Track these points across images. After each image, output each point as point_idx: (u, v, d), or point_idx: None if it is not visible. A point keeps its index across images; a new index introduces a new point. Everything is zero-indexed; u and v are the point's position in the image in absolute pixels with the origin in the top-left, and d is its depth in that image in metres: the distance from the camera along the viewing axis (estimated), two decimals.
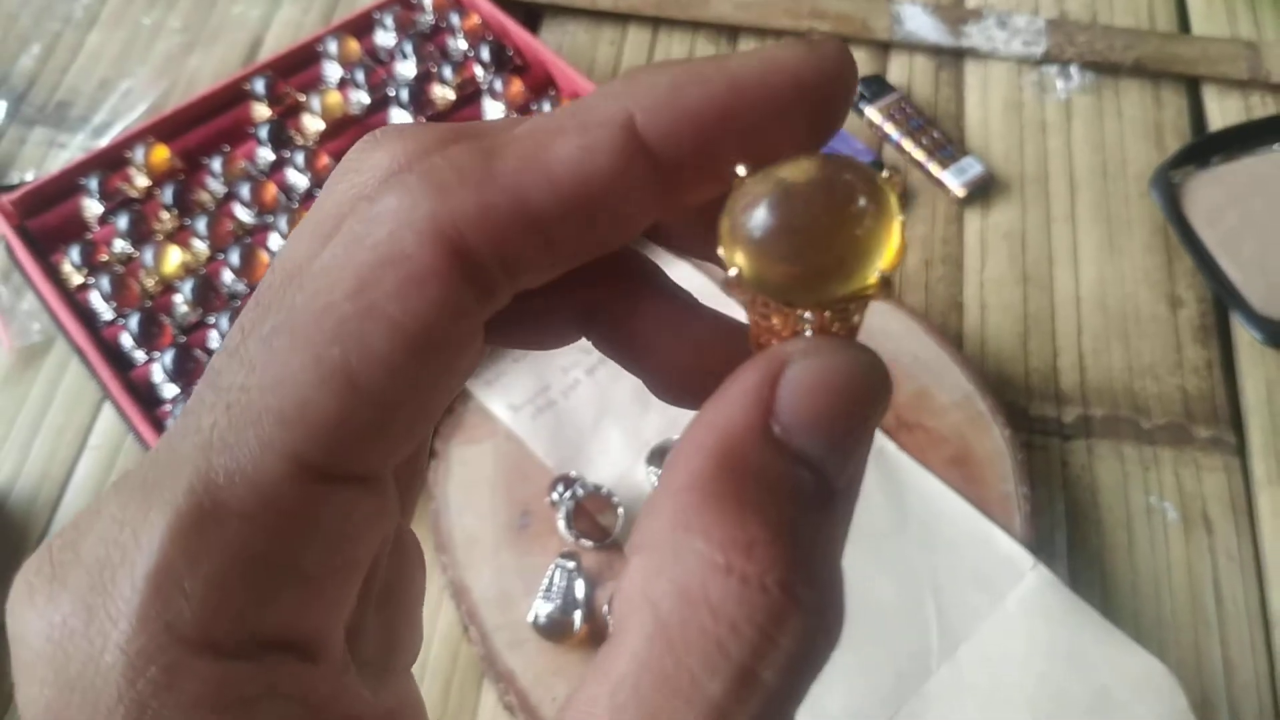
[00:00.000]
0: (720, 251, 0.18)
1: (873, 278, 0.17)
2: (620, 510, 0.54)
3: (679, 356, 0.21)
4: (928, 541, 0.53)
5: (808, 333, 0.18)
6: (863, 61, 0.74)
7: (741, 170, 0.18)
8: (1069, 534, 0.57)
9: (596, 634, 0.51)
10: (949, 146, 0.69)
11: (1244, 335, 0.62)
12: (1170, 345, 0.63)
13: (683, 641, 0.15)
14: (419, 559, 0.23)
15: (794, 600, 0.15)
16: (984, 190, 0.68)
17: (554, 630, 0.51)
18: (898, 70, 0.74)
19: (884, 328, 0.60)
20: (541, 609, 0.51)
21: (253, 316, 0.18)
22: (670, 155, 0.18)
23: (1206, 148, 0.68)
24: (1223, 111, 0.71)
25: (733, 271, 0.17)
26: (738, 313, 0.19)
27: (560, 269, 0.18)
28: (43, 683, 0.16)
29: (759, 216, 0.17)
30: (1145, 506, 0.58)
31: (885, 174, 0.17)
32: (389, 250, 0.17)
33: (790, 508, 0.16)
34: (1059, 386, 0.62)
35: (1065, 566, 0.56)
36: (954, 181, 0.67)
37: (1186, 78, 0.73)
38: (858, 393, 0.17)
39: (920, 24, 0.74)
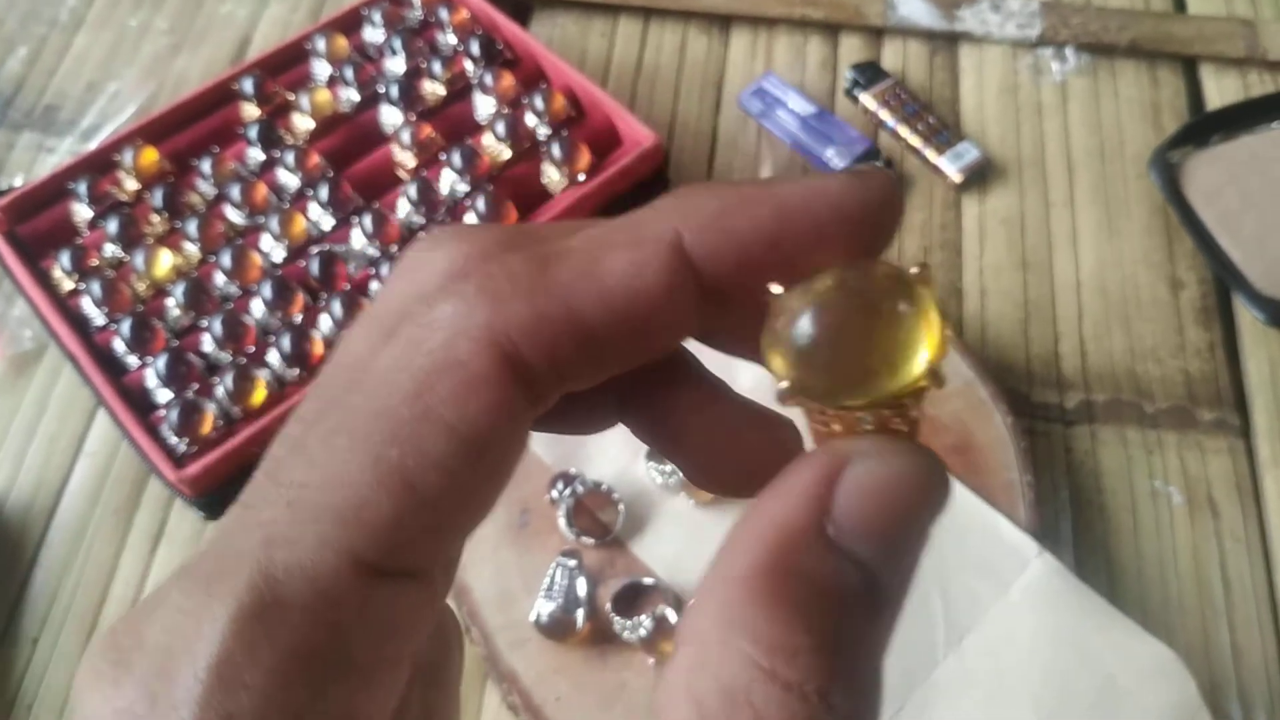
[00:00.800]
0: (768, 366, 0.18)
1: (919, 371, 0.18)
2: (621, 507, 0.53)
3: (715, 445, 0.22)
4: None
5: (868, 429, 0.18)
6: (856, 48, 0.73)
7: (776, 288, 0.18)
8: (1073, 520, 0.56)
9: (599, 632, 0.51)
10: (945, 132, 0.68)
11: (1246, 316, 0.62)
12: (1172, 328, 0.62)
13: None
14: (457, 636, 0.23)
15: (830, 709, 0.16)
16: (981, 175, 0.68)
17: (556, 629, 0.50)
18: (892, 56, 0.73)
19: None
20: (544, 608, 0.51)
21: (313, 409, 0.19)
22: (714, 274, 0.19)
23: (1205, 127, 0.68)
24: (1220, 90, 0.71)
25: (783, 384, 0.18)
26: (772, 399, 0.20)
27: (607, 374, 0.19)
28: None
29: (799, 331, 0.18)
30: (1150, 491, 0.57)
31: (915, 269, 0.18)
32: (445, 357, 0.18)
33: (836, 612, 0.17)
34: (1061, 372, 0.61)
35: (1070, 553, 0.55)
36: (950, 167, 0.67)
37: (1183, 57, 0.72)
38: (915, 498, 0.17)
39: (913, 9, 0.74)
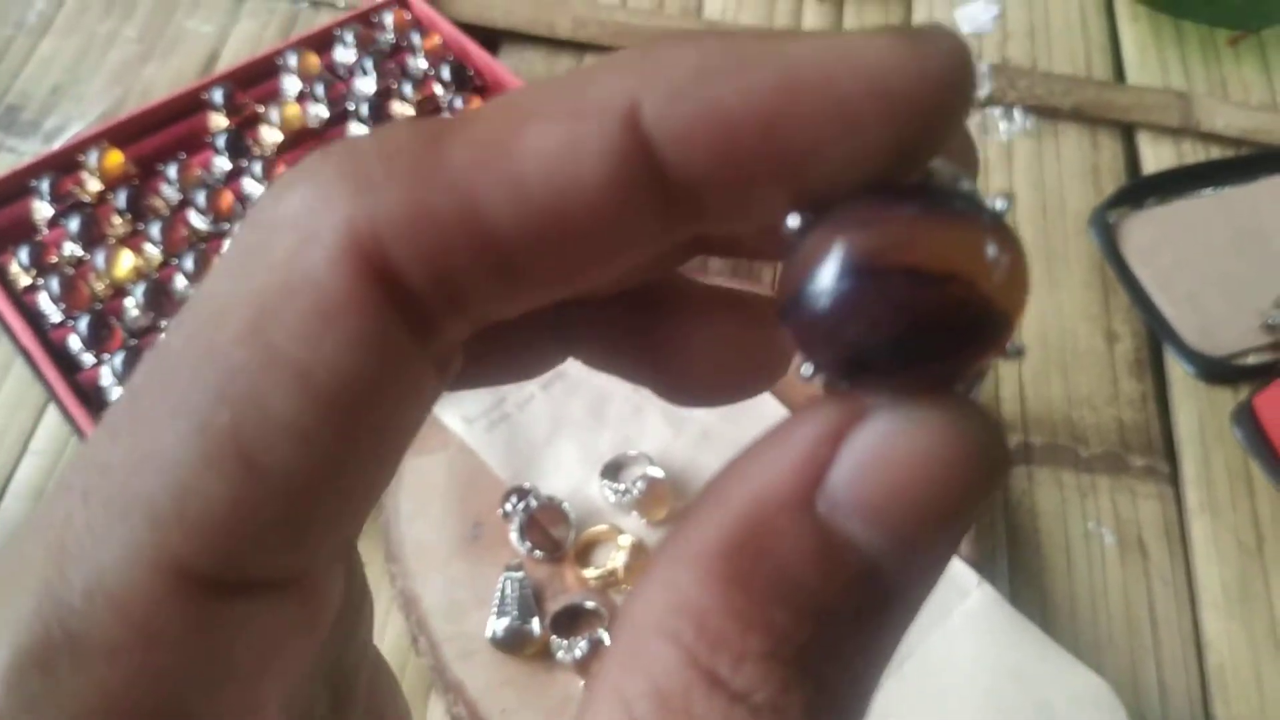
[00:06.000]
0: (784, 333, 0.14)
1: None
2: (573, 522, 0.54)
3: (697, 357, 0.17)
4: None
5: None
6: None
7: (794, 219, 0.13)
8: (1010, 557, 0.58)
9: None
10: None
11: (1177, 369, 0.65)
12: (1107, 378, 0.65)
13: None
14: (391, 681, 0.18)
15: None
16: None
17: (514, 642, 0.50)
18: None
19: None
20: (498, 624, 0.51)
21: (145, 371, 0.13)
22: (685, 169, 0.13)
23: (1141, 190, 0.71)
24: (1156, 156, 0.74)
25: (805, 367, 0.14)
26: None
27: (529, 303, 0.14)
28: None
29: (817, 301, 0.13)
30: (1084, 532, 0.59)
31: (999, 201, 0.13)
32: (290, 272, 0.12)
33: (812, 612, 0.13)
34: (1001, 415, 0.63)
35: (1007, 587, 0.57)
36: None
37: (1122, 124, 0.76)
38: (945, 473, 0.13)
39: None
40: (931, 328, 0.12)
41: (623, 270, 0.14)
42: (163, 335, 0.14)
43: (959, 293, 0.12)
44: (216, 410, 0.12)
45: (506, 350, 0.17)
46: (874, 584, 0.13)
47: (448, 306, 0.13)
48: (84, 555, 0.12)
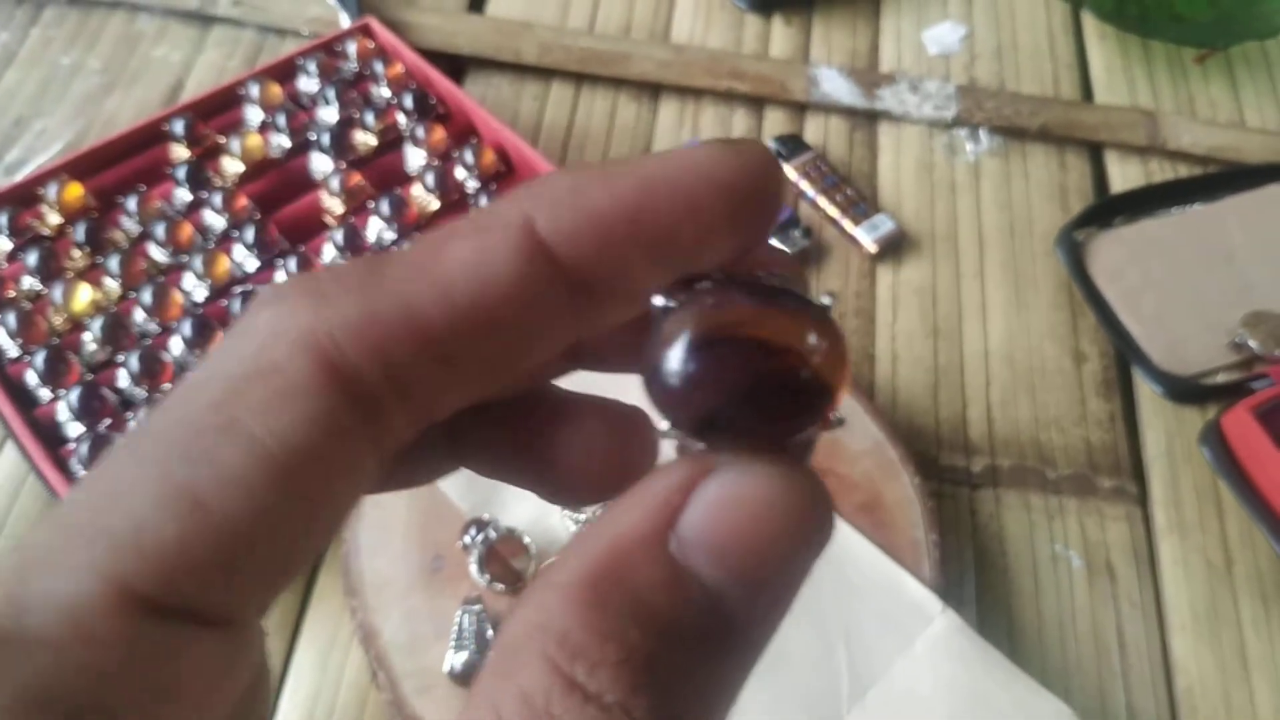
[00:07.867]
0: (646, 393, 0.16)
1: (815, 420, 0.16)
2: (534, 553, 0.53)
3: (572, 460, 0.20)
4: (839, 586, 0.54)
5: None
6: (780, 121, 0.76)
7: (659, 299, 0.16)
8: (977, 581, 0.58)
9: None
10: (862, 204, 0.70)
11: (1145, 389, 0.64)
12: (1075, 398, 0.65)
13: None
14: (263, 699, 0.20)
15: None
16: (895, 246, 0.70)
17: (472, 677, 0.50)
18: (814, 130, 0.76)
19: None
20: (456, 659, 0.50)
21: (131, 433, 0.16)
22: (576, 261, 0.16)
23: (1108, 209, 0.71)
24: (1123, 175, 0.74)
25: (662, 424, 0.16)
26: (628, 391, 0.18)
27: (467, 395, 0.17)
28: None
29: (676, 366, 0.16)
30: (1051, 554, 0.59)
31: (825, 299, 0.16)
32: (257, 363, 0.15)
33: (662, 634, 0.15)
34: (968, 437, 0.63)
35: (973, 612, 0.56)
36: (866, 238, 0.69)
37: (1089, 143, 0.76)
38: (781, 523, 0.15)
39: (836, 86, 0.77)
40: (771, 389, 0.15)
41: (541, 360, 0.18)
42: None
43: (794, 362, 0.15)
44: (178, 463, 0.15)
45: (407, 461, 0.20)
46: (717, 612, 0.15)
47: (392, 395, 0.16)
48: (47, 566, 0.14)
